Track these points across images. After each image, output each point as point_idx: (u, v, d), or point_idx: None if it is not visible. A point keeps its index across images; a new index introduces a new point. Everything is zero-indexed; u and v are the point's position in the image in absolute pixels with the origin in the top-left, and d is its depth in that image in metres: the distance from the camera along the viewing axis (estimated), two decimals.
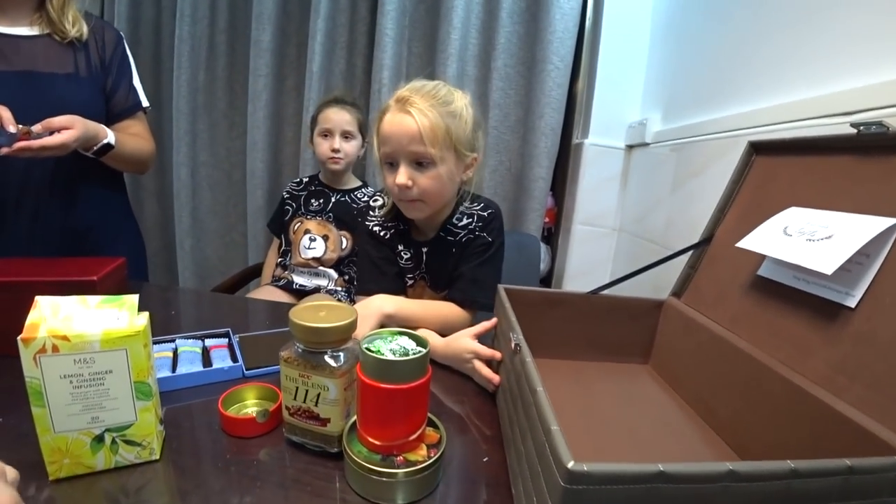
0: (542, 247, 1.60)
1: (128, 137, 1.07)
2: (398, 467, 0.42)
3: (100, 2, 1.93)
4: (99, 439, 0.46)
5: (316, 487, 0.45)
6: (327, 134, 1.40)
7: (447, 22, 1.51)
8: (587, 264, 1.55)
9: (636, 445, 0.57)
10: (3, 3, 0.95)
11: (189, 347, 0.69)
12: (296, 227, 1.47)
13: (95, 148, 0.98)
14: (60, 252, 1.03)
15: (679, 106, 1.25)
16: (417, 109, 0.77)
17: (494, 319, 0.70)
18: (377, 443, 0.43)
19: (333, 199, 1.47)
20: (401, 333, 0.46)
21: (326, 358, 0.45)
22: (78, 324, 0.43)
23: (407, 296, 0.95)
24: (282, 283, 1.44)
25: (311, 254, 1.43)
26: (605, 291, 0.76)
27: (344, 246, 1.45)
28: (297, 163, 1.77)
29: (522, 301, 0.69)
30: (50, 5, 0.97)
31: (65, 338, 0.42)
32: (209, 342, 0.73)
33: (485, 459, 0.52)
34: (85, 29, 1.03)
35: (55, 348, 0.42)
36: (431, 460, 0.44)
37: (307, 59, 1.63)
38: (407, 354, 0.42)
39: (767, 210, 0.62)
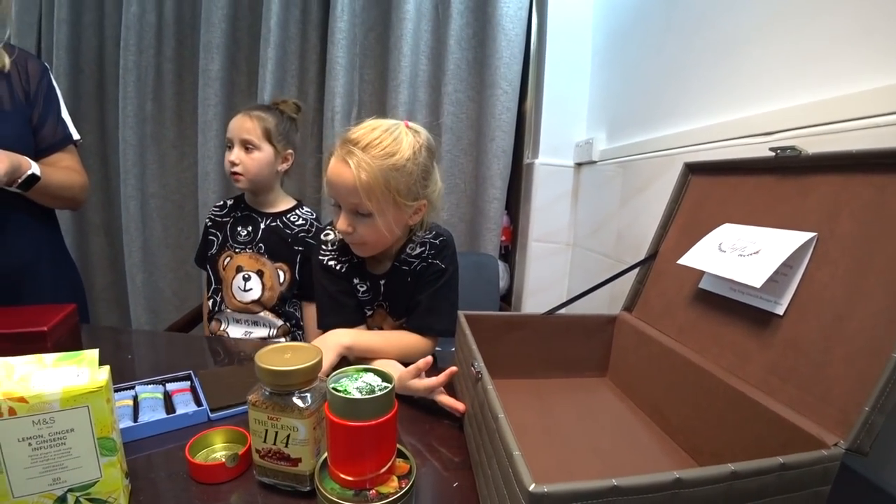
0: (501, 265, 1.64)
1: (56, 170, 1.01)
2: (371, 501, 0.43)
3: (36, 29, 1.86)
4: (61, 500, 0.44)
5: None
6: (230, 145, 1.19)
7: (397, 49, 1.55)
8: (545, 280, 1.59)
9: (598, 459, 0.60)
10: None
11: (150, 394, 0.67)
12: (225, 263, 1.24)
13: (20, 181, 0.91)
14: None
15: (621, 126, 1.32)
16: (356, 162, 0.75)
17: (429, 358, 0.69)
18: (349, 478, 0.44)
19: (263, 226, 1.24)
20: (366, 370, 0.47)
21: (294, 399, 0.46)
22: (36, 384, 0.42)
23: (367, 325, 0.96)
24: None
25: (248, 297, 1.22)
26: (562, 310, 0.79)
27: (282, 280, 1.23)
28: None
29: (482, 325, 0.72)
30: None
31: (22, 399, 0.41)
32: (170, 386, 0.71)
33: (455, 485, 0.54)
34: (7, 60, 0.97)
35: (12, 411, 0.40)
36: (403, 491, 0.45)
37: (258, 87, 1.63)
38: (373, 392, 0.43)
39: (704, 226, 0.68)
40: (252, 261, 1.23)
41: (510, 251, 1.78)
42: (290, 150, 1.24)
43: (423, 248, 0.90)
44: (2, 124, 0.95)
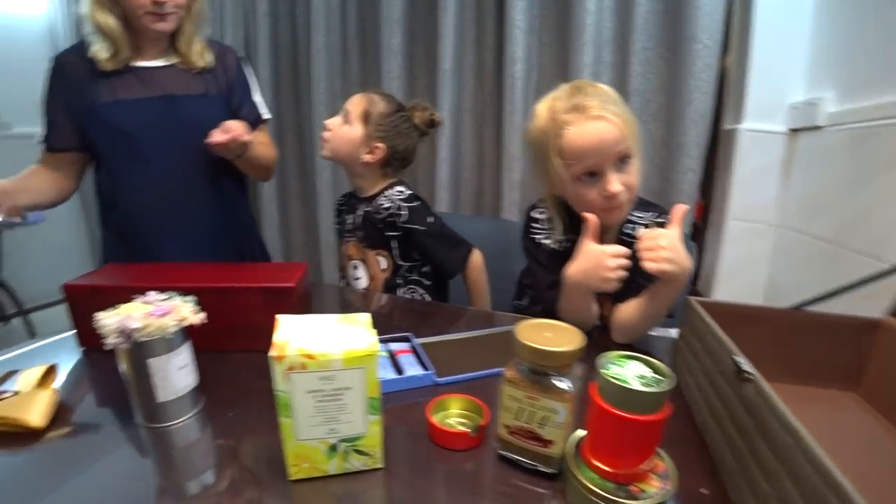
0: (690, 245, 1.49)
1: (257, 144, 1.17)
2: (634, 497, 0.41)
3: (242, 25, 2.10)
4: (333, 448, 0.49)
5: None
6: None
7: (580, 6, 1.44)
8: (740, 264, 1.42)
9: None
10: (141, 44, 1.08)
11: (381, 353, 0.72)
12: (344, 251, 1.27)
13: None
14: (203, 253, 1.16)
15: (862, 81, 1.09)
16: (607, 112, 0.76)
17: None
18: (610, 470, 0.42)
19: (360, 213, 1.19)
20: (630, 357, 0.44)
21: (556, 381, 0.45)
22: (322, 343, 0.46)
23: None
24: None
25: (360, 285, 1.22)
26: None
27: (384, 267, 1.20)
28: (434, 160, 1.79)
29: (716, 315, 0.64)
30: (178, 41, 1.11)
31: (311, 356, 0.45)
32: (393, 346, 0.76)
33: (703, 491, 0.49)
34: (210, 58, 1.15)
35: (303, 366, 0.45)
36: (667, 491, 0.42)
37: (438, 57, 1.65)
38: (652, 385, 0.40)
39: None
40: (357, 249, 1.22)
41: (699, 230, 1.60)
42: (380, 145, 1.13)
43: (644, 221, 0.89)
44: (211, 108, 1.14)
